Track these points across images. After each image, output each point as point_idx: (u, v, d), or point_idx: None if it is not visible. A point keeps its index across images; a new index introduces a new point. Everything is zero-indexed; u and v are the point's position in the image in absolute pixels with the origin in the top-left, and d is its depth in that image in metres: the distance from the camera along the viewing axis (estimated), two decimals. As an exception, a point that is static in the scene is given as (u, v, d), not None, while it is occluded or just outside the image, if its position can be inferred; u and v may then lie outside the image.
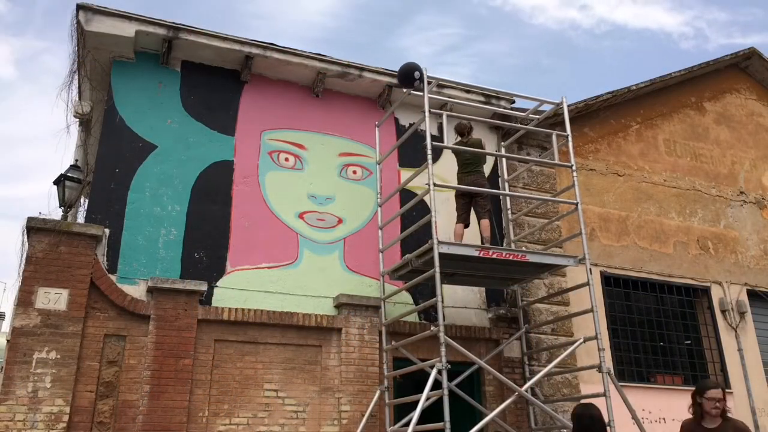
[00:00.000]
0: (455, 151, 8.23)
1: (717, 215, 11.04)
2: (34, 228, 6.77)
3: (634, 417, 7.42)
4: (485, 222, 8.00)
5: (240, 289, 7.54)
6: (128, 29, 7.69)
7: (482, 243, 7.85)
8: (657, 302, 10.02)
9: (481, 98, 9.36)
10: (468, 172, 8.11)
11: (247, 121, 8.38)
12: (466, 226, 8.14)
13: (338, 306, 7.86)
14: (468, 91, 9.26)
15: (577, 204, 8.09)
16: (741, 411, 9.76)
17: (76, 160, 8.91)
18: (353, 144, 8.88)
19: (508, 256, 7.39)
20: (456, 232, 8.06)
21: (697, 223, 10.80)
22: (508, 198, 9.26)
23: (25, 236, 6.91)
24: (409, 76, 7.55)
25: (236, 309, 7.34)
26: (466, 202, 8.14)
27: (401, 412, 7.60)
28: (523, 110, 9.58)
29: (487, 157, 9.41)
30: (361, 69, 8.73)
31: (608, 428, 7.13)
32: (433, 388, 6.52)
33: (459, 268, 7.59)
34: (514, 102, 9.56)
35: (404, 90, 8.24)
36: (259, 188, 8.13)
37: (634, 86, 10.73)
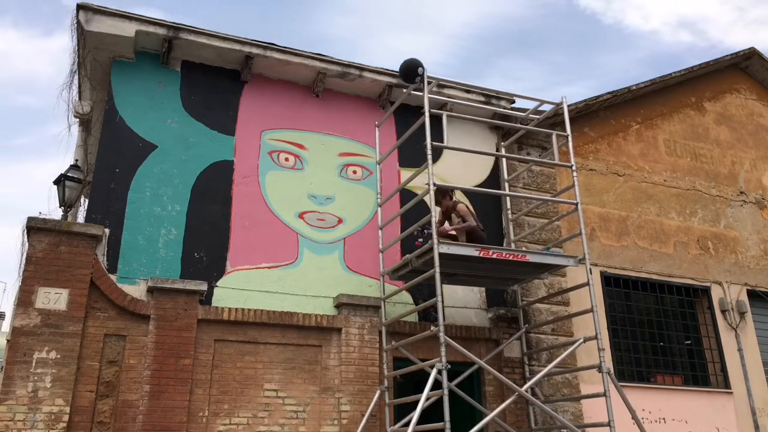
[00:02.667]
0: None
1: (717, 215, 11.04)
2: (34, 228, 6.77)
3: (634, 417, 7.42)
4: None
5: (240, 289, 7.54)
6: (128, 29, 7.69)
7: None
8: (657, 302, 10.02)
9: (481, 98, 9.35)
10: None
11: (247, 121, 8.38)
12: None
13: (338, 306, 7.86)
14: (468, 91, 9.26)
15: (577, 204, 8.09)
16: (741, 411, 9.76)
17: (76, 160, 8.91)
18: (353, 144, 8.88)
19: (508, 256, 7.39)
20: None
21: (697, 223, 10.80)
22: (508, 198, 9.26)
23: (25, 236, 6.92)
24: (412, 72, 7.54)
25: (236, 309, 7.34)
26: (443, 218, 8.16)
27: (401, 412, 7.60)
28: (523, 110, 9.58)
29: (487, 158, 9.45)
30: (361, 69, 8.73)
31: (609, 429, 7.15)
32: (433, 388, 6.53)
33: (459, 268, 7.59)
34: (514, 102, 9.56)
35: (404, 90, 8.24)
36: (259, 188, 8.13)
37: (634, 86, 10.73)
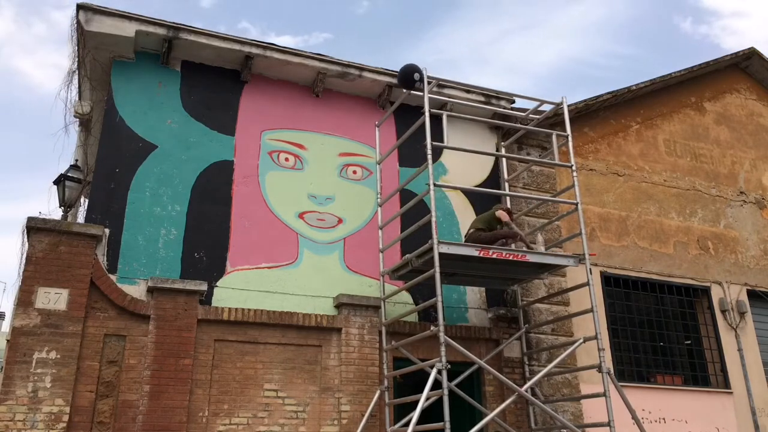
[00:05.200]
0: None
1: (717, 215, 11.04)
2: (34, 228, 6.76)
3: (634, 417, 7.42)
4: None
5: (240, 289, 7.54)
6: (128, 29, 7.68)
7: None
8: (657, 302, 10.01)
9: (481, 98, 9.35)
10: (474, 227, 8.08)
11: (247, 121, 8.38)
12: None
13: (338, 306, 7.86)
14: (468, 91, 9.26)
15: (577, 204, 8.09)
16: (741, 411, 9.76)
17: (76, 160, 8.92)
18: (353, 144, 8.88)
19: (508, 256, 7.38)
20: None
21: (697, 223, 10.80)
22: (508, 198, 9.26)
23: (25, 236, 6.92)
24: (409, 77, 7.56)
25: (236, 309, 7.34)
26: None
27: (401, 412, 7.60)
28: (523, 110, 9.58)
29: (487, 157, 9.45)
30: (361, 69, 8.73)
31: (609, 429, 7.15)
32: (433, 388, 6.52)
33: (459, 268, 7.59)
34: (514, 102, 9.56)
35: (404, 90, 8.24)
36: (259, 188, 8.13)
37: (634, 86, 10.72)
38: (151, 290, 7.06)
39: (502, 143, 9.63)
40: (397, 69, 7.88)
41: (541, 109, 9.24)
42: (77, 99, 8.69)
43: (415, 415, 6.46)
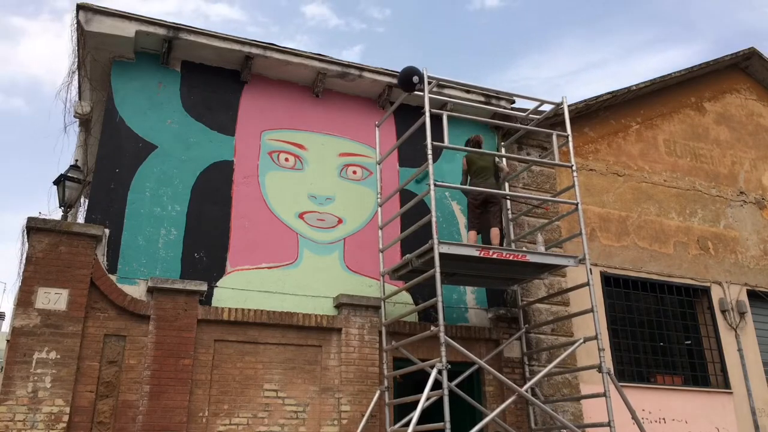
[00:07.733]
0: (468, 160, 8.33)
1: (717, 215, 11.04)
2: (34, 228, 6.76)
3: (634, 417, 7.42)
4: (495, 230, 8.06)
5: (240, 289, 7.53)
6: (128, 29, 7.68)
7: None
8: (657, 302, 10.02)
9: (481, 98, 9.35)
10: (484, 178, 8.20)
11: (247, 121, 8.38)
12: (479, 233, 8.18)
13: (338, 306, 7.86)
14: (468, 91, 9.25)
15: (577, 204, 8.09)
16: (741, 411, 9.76)
17: (76, 160, 8.92)
18: (353, 144, 8.88)
19: (508, 256, 7.38)
20: (470, 239, 8.11)
21: (697, 223, 10.80)
22: (508, 198, 9.25)
23: (25, 236, 6.92)
24: (409, 80, 7.56)
25: (236, 309, 7.34)
26: (479, 212, 8.19)
27: (401, 412, 7.60)
28: (524, 110, 9.57)
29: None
30: (361, 69, 8.73)
31: (609, 429, 7.15)
32: (433, 388, 6.52)
33: (459, 268, 7.59)
34: (514, 102, 9.55)
35: (404, 92, 8.24)
36: (259, 188, 8.12)
37: (634, 86, 10.73)
38: (151, 290, 7.06)
39: (502, 143, 9.63)
40: (398, 70, 7.89)
41: (541, 109, 9.24)
42: (77, 99, 8.69)
43: (416, 415, 6.46)
